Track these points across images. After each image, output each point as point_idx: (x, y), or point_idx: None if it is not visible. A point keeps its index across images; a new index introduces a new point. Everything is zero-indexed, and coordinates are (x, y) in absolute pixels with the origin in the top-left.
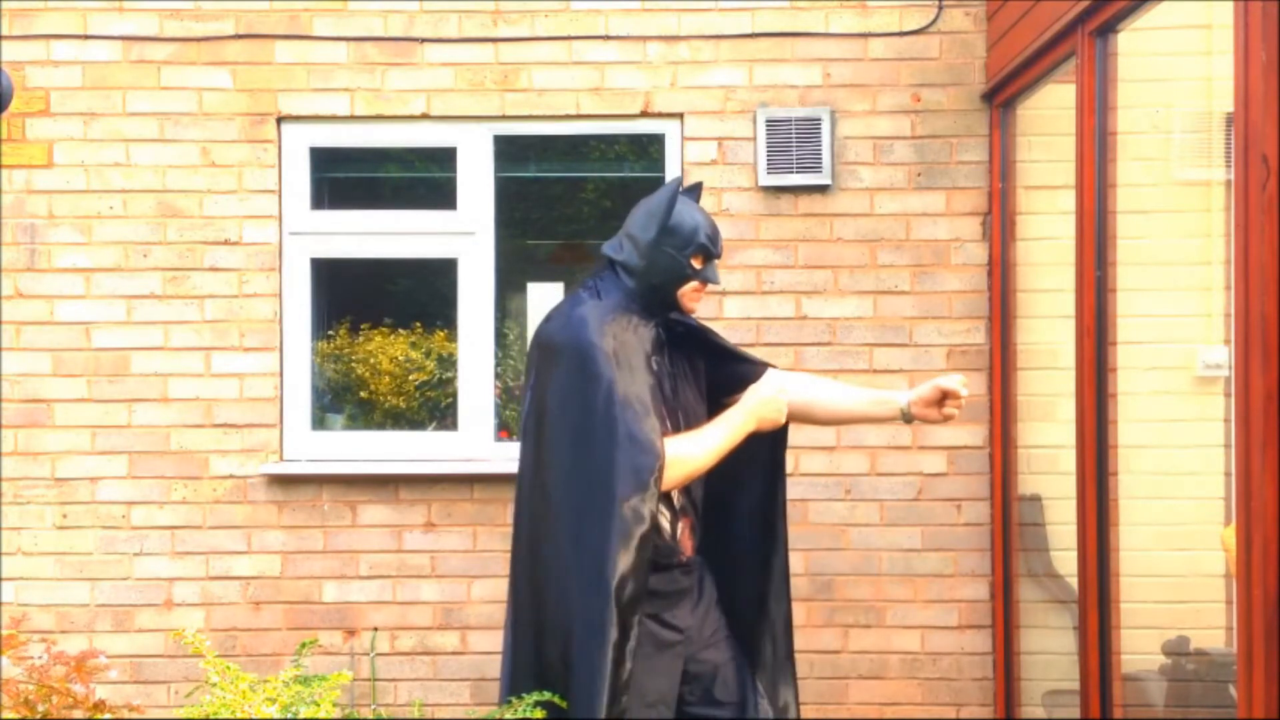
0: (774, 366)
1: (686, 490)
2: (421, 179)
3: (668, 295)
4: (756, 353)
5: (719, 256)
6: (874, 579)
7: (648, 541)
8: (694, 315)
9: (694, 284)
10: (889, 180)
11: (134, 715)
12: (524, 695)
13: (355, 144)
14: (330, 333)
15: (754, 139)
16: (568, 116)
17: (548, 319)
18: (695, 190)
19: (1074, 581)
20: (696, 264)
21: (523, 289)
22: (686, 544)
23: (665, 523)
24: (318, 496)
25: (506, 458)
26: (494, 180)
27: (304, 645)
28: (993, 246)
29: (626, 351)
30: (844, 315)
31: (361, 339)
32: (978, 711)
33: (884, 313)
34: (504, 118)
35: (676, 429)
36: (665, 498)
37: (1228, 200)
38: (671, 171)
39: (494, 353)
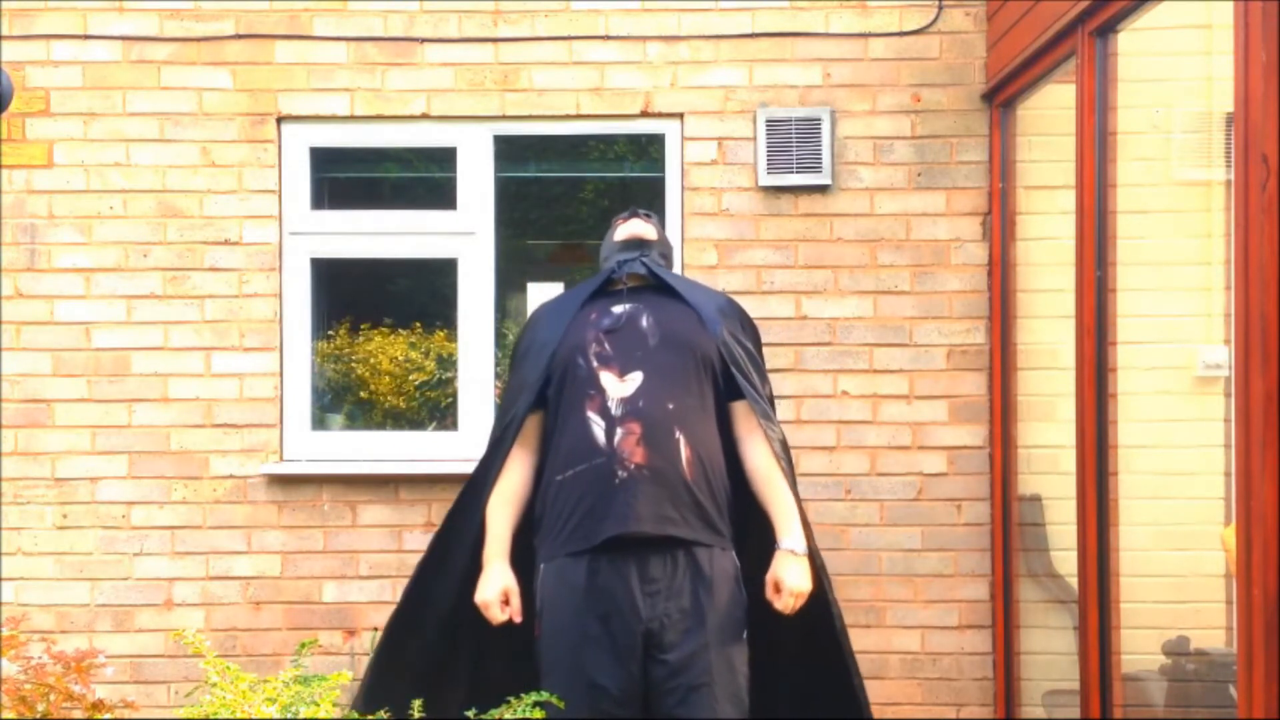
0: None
1: (633, 401)
2: (421, 179)
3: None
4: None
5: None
6: (874, 579)
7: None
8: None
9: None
10: (889, 180)
11: (130, 712)
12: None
13: (355, 144)
14: (330, 333)
15: (754, 139)
16: (568, 116)
17: None
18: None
19: (1074, 581)
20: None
21: (523, 289)
22: (634, 451)
23: (600, 431)
24: (318, 496)
25: None
26: (494, 180)
27: (304, 645)
28: (993, 246)
29: (548, 326)
30: (844, 315)
31: (361, 339)
32: (978, 711)
33: (884, 313)
34: (504, 118)
35: (620, 356)
36: (601, 407)
37: (1228, 200)
38: (672, 171)
39: (494, 353)
